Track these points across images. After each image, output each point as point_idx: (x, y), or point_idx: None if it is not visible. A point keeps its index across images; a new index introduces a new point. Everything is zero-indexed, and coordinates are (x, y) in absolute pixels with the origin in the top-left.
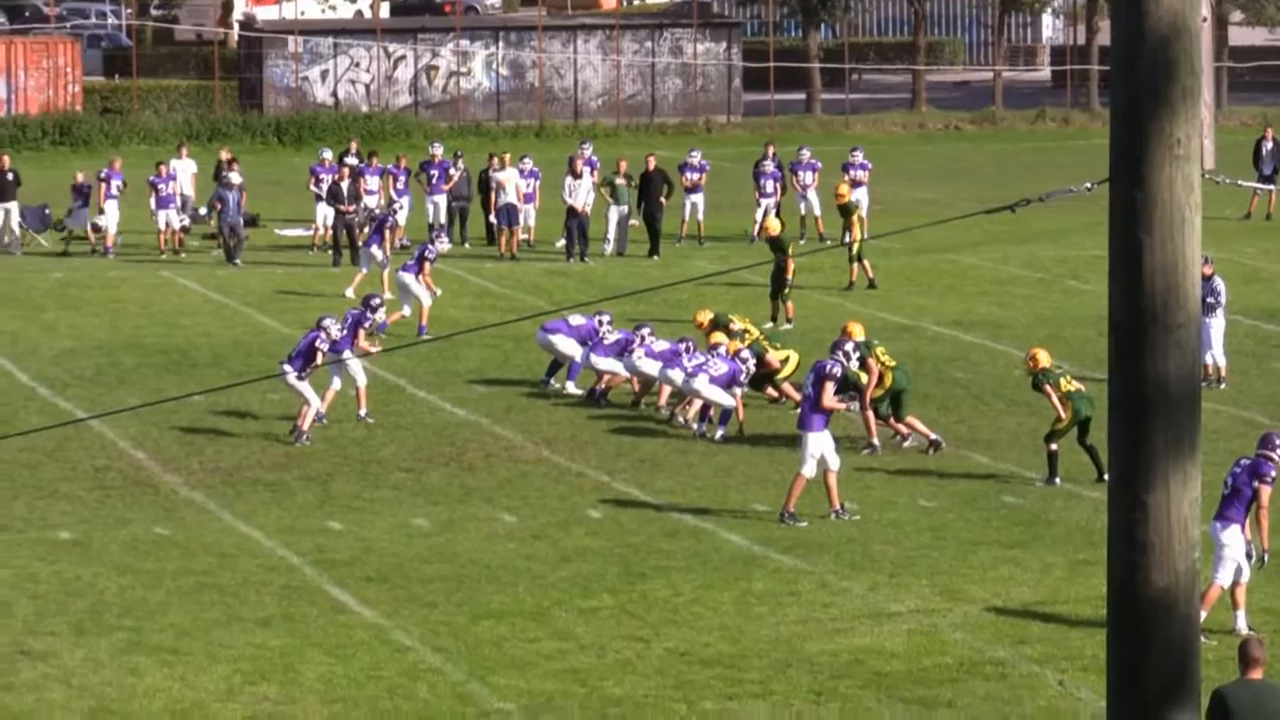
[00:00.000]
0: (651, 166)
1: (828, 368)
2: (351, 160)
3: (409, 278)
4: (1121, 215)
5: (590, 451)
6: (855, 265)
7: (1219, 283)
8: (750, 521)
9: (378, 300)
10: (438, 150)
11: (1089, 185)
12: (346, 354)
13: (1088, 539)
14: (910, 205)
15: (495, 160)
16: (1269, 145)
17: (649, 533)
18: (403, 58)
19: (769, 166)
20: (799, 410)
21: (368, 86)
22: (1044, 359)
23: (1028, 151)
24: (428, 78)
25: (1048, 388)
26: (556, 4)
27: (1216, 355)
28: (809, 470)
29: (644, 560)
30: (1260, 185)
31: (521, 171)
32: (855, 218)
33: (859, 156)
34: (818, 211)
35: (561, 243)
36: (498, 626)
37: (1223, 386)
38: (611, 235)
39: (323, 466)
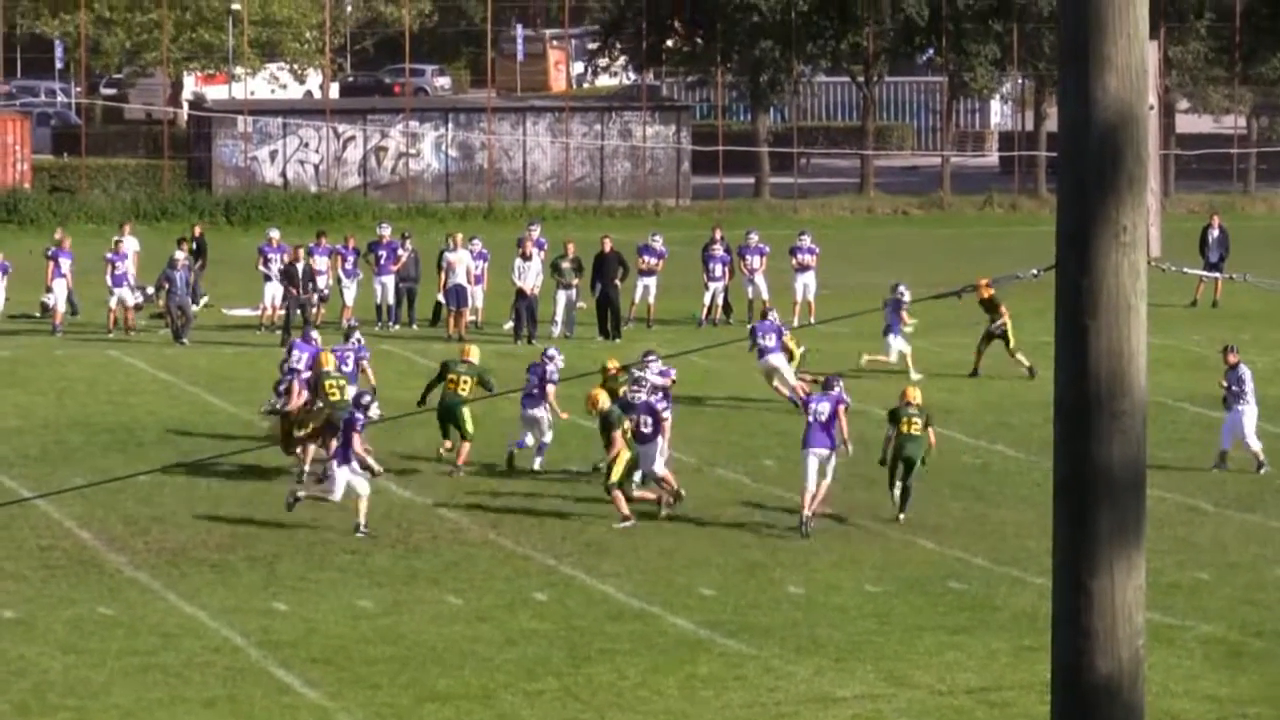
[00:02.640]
0: (608, 248)
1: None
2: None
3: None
4: (1067, 301)
5: (536, 534)
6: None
7: (1244, 371)
8: (696, 605)
9: (368, 397)
10: (386, 231)
11: (1035, 272)
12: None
13: (1033, 625)
14: (858, 289)
15: (451, 240)
16: (1215, 233)
17: (594, 616)
18: (352, 138)
19: (718, 250)
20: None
21: (317, 167)
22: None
23: (975, 237)
24: (377, 159)
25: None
26: (506, 86)
27: (1251, 442)
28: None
29: (589, 643)
30: (1206, 273)
31: (471, 253)
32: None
33: (807, 240)
34: (765, 295)
35: (510, 324)
36: (443, 709)
37: (1264, 470)
38: (559, 317)
39: (268, 547)
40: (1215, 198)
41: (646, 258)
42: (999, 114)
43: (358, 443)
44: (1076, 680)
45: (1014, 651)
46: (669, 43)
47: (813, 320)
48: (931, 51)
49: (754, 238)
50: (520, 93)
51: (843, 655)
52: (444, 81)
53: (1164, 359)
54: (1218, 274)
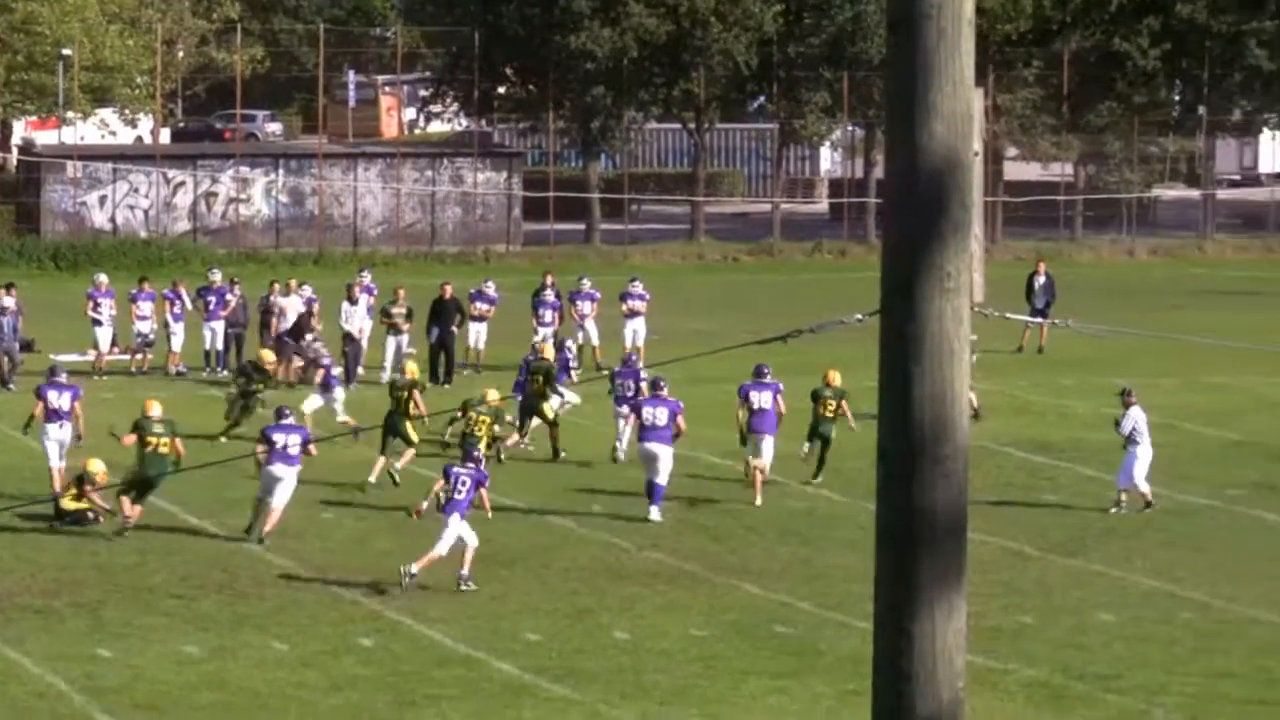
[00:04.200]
0: (447, 295)
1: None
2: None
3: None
4: (892, 346)
5: (364, 580)
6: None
7: (1138, 413)
8: (522, 650)
9: (478, 451)
10: (216, 276)
11: (860, 316)
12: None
13: (856, 669)
14: (688, 335)
15: (276, 286)
16: (1041, 279)
17: (420, 661)
18: (182, 184)
19: (548, 296)
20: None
21: (146, 212)
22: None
23: (805, 283)
24: (207, 204)
25: None
26: (338, 132)
27: (1139, 482)
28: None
29: (415, 689)
30: (1030, 319)
31: (301, 298)
32: None
33: (638, 287)
34: (595, 341)
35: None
36: None
37: (1148, 510)
38: (389, 363)
39: (94, 593)
40: (1042, 244)
41: (479, 304)
42: (829, 161)
43: (485, 497)
44: None
45: (838, 695)
46: (501, 89)
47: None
48: (762, 99)
49: (585, 283)
50: (352, 139)
51: (668, 700)
52: (276, 127)
53: (991, 404)
54: (1042, 320)
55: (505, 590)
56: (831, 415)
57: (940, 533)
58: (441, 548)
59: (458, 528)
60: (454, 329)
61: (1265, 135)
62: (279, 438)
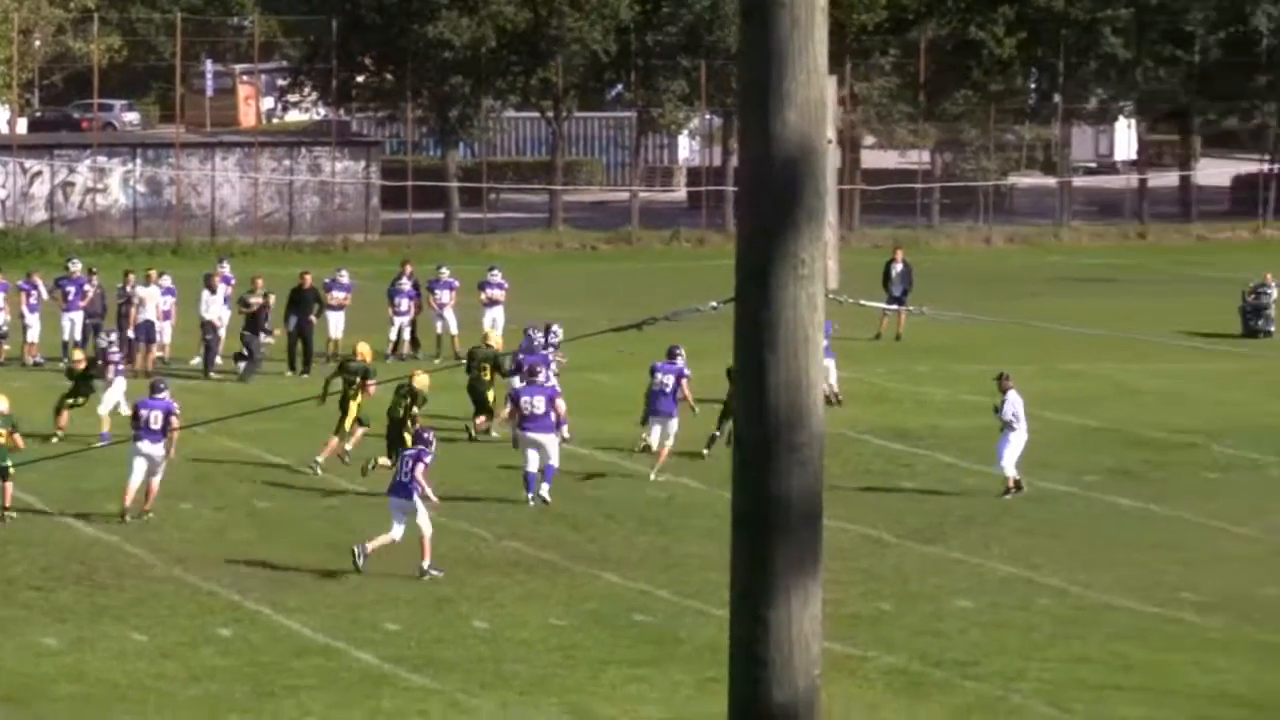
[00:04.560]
0: (306, 284)
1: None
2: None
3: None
4: (747, 334)
5: (223, 570)
6: None
7: (1015, 398)
8: (381, 640)
9: (429, 433)
10: (75, 266)
11: (715, 304)
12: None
13: (715, 657)
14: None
15: (132, 277)
16: (899, 267)
17: (279, 651)
18: (39, 173)
19: (405, 285)
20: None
21: (3, 202)
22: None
23: (663, 271)
24: (64, 194)
25: None
26: (195, 121)
27: (1007, 466)
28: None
29: (274, 679)
30: (886, 306)
31: (160, 288)
32: None
33: (496, 275)
34: (454, 330)
35: (198, 359)
36: None
37: (1009, 496)
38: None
39: None
40: (900, 232)
41: (335, 293)
42: (687, 149)
43: (421, 474)
44: (754, 710)
45: (697, 684)
46: (359, 78)
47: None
48: (620, 87)
49: (444, 272)
50: (210, 128)
51: (528, 689)
52: (133, 117)
53: (849, 392)
54: (897, 307)
55: (364, 580)
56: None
57: (796, 519)
58: (395, 533)
59: (404, 512)
60: (312, 318)
61: (1121, 123)
62: (143, 413)
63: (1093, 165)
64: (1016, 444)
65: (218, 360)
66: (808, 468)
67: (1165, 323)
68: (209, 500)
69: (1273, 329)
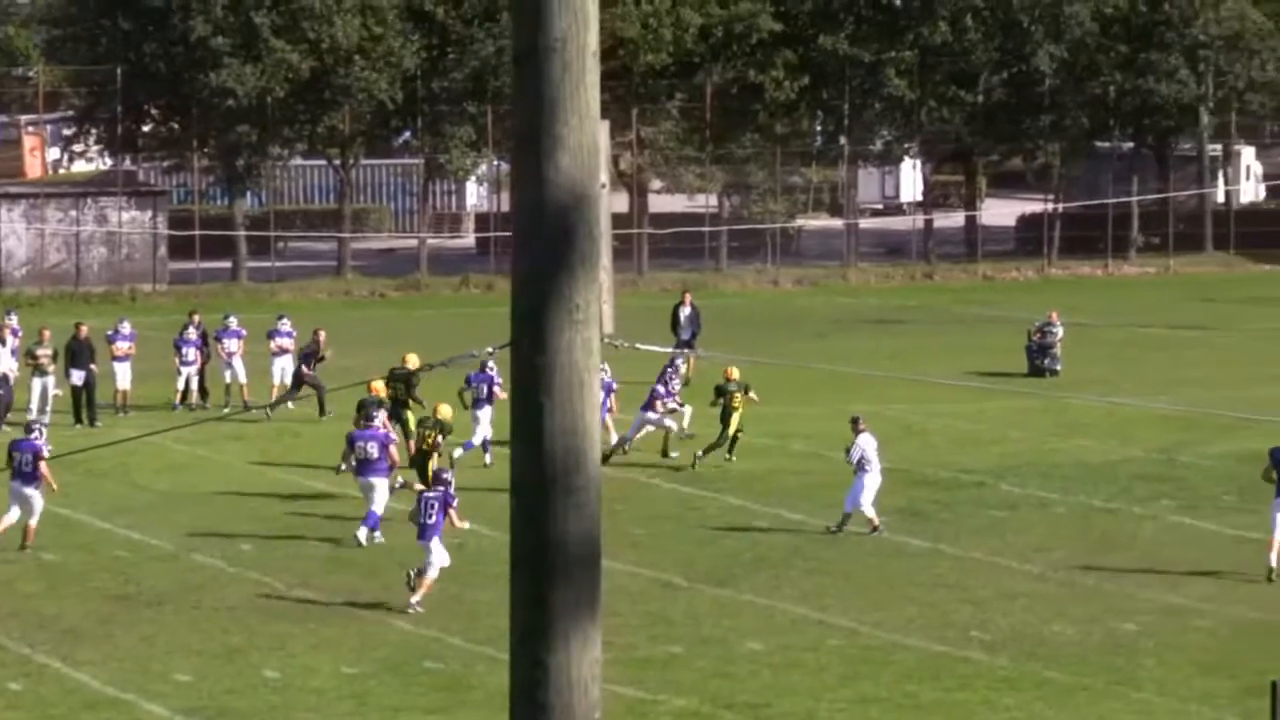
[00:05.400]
0: (82, 335)
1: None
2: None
3: None
4: (523, 378)
5: (12, 623)
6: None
7: (867, 440)
8: (172, 691)
9: (448, 474)
10: None
11: (490, 349)
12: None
13: (506, 702)
14: (337, 372)
15: None
16: (687, 310)
17: (70, 705)
18: None
19: (192, 334)
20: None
21: None
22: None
23: (452, 317)
24: None
25: None
26: None
27: (865, 508)
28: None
29: None
30: (660, 349)
31: None
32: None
33: (285, 324)
34: (243, 379)
35: None
36: None
37: (877, 534)
38: (34, 405)
39: None
40: (688, 275)
41: (119, 343)
42: (475, 195)
43: (455, 517)
44: None
45: None
46: (145, 127)
47: (289, 405)
48: (408, 134)
49: (231, 321)
50: None
51: None
52: None
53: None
54: (688, 350)
55: (155, 630)
56: (737, 406)
57: (574, 563)
58: (432, 572)
59: (439, 550)
60: (93, 367)
61: (906, 164)
62: (15, 455)
63: (879, 206)
64: (870, 486)
65: (8, 414)
66: (585, 511)
67: (953, 363)
68: None
69: (1059, 367)
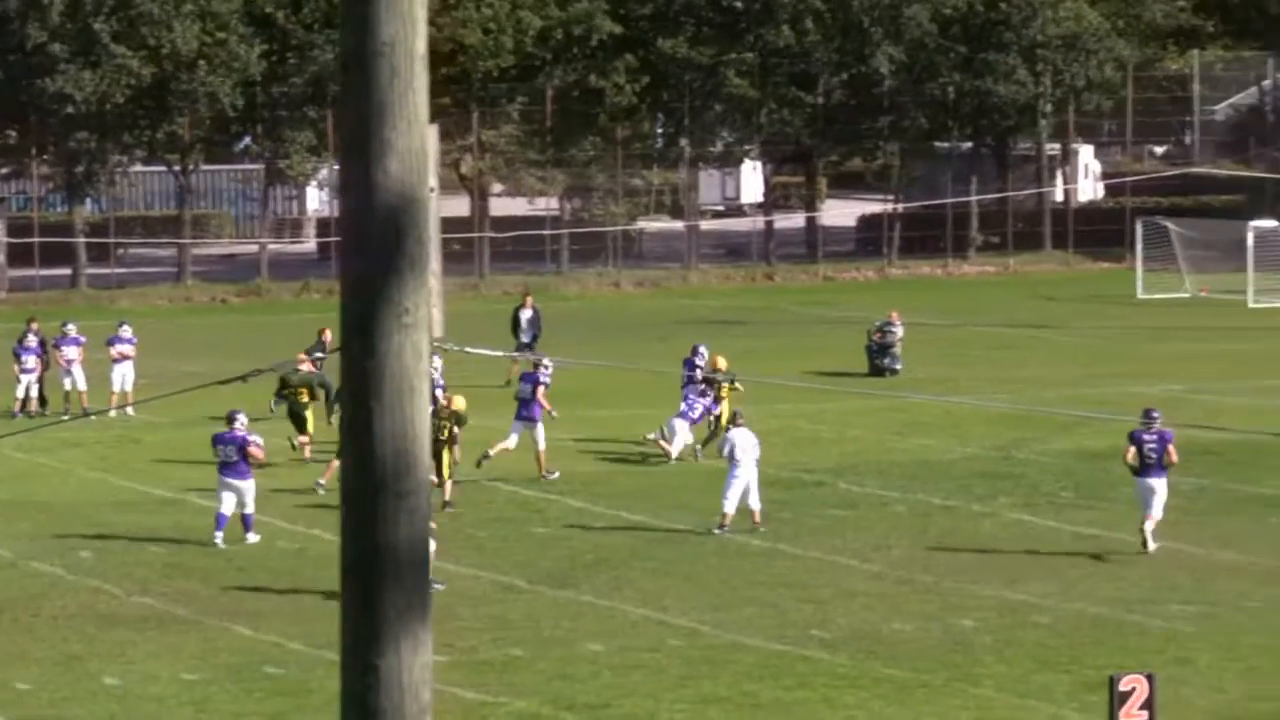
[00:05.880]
0: None
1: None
2: None
3: None
4: (353, 383)
5: None
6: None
7: (741, 436)
8: (11, 701)
9: None
10: None
11: (320, 355)
12: None
13: None
14: (179, 378)
15: None
16: (528, 313)
17: None
18: None
19: (31, 341)
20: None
21: None
22: None
23: (294, 323)
24: None
25: None
26: None
27: (750, 502)
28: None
29: None
30: (491, 353)
31: None
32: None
33: (126, 331)
34: (82, 386)
35: None
36: None
37: (762, 530)
38: None
39: None
40: (530, 278)
41: None
42: (317, 200)
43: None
44: None
45: None
46: None
47: (130, 410)
48: (248, 139)
49: (70, 329)
50: None
51: None
52: None
53: (479, 440)
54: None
55: None
56: (724, 396)
57: (404, 567)
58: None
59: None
60: None
61: (747, 165)
62: None
63: (720, 208)
64: (741, 479)
65: None
66: (415, 515)
67: (793, 363)
68: None
69: (899, 367)
